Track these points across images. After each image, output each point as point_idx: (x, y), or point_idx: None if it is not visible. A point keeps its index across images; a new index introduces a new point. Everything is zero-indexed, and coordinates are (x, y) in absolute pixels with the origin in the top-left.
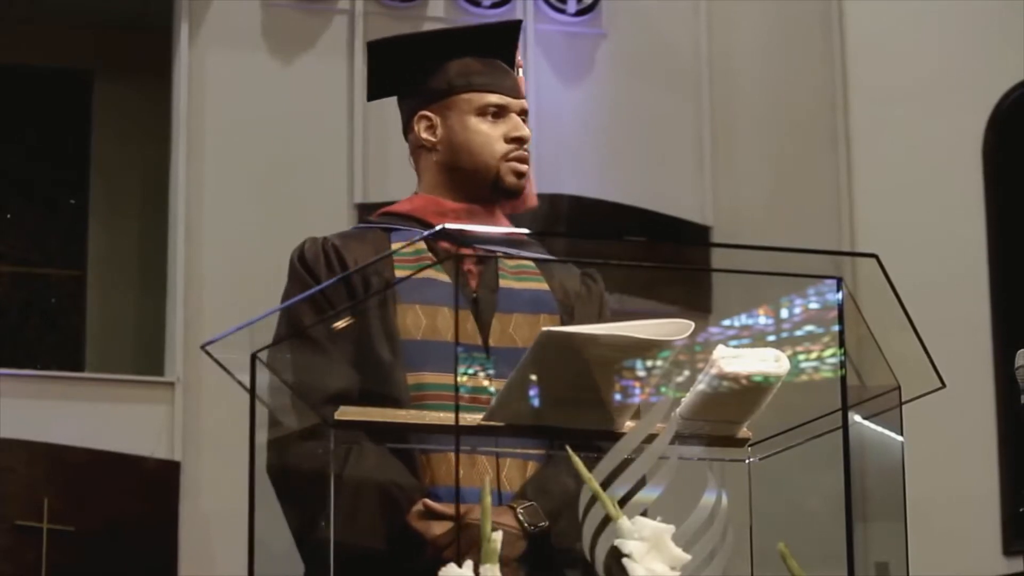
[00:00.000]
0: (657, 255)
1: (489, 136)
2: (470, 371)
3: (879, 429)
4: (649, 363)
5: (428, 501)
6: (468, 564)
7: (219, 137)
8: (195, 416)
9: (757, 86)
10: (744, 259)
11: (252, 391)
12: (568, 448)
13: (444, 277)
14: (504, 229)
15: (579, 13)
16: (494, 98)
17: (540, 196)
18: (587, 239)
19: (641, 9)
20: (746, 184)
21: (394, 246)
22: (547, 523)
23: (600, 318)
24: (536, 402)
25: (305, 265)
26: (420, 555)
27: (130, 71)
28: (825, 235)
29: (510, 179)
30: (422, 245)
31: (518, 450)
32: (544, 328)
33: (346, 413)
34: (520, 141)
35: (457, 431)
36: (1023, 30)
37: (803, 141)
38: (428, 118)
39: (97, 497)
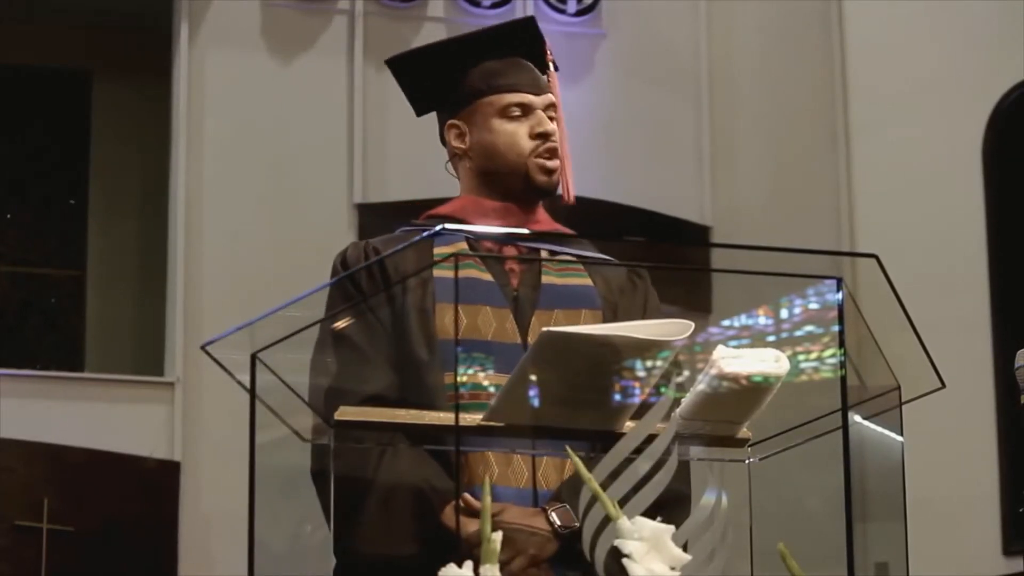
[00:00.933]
0: (657, 255)
1: (514, 135)
2: (508, 369)
3: (879, 429)
4: (649, 363)
5: (468, 497)
6: (468, 564)
7: (218, 137)
8: (195, 416)
9: (757, 86)
10: (744, 259)
11: (252, 391)
12: (568, 448)
13: (486, 276)
14: (495, 230)
15: (579, 13)
16: (515, 97)
17: None
18: (586, 239)
19: (641, 9)
20: (746, 184)
21: (437, 250)
22: (579, 525)
23: (645, 313)
24: (536, 402)
25: (347, 269)
26: (454, 555)
27: (129, 71)
28: (825, 235)
29: (539, 177)
30: (464, 246)
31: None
32: (544, 328)
33: (345, 413)
34: (544, 136)
35: (457, 431)
36: (1022, 31)
37: (803, 141)
38: (457, 126)
39: (97, 497)
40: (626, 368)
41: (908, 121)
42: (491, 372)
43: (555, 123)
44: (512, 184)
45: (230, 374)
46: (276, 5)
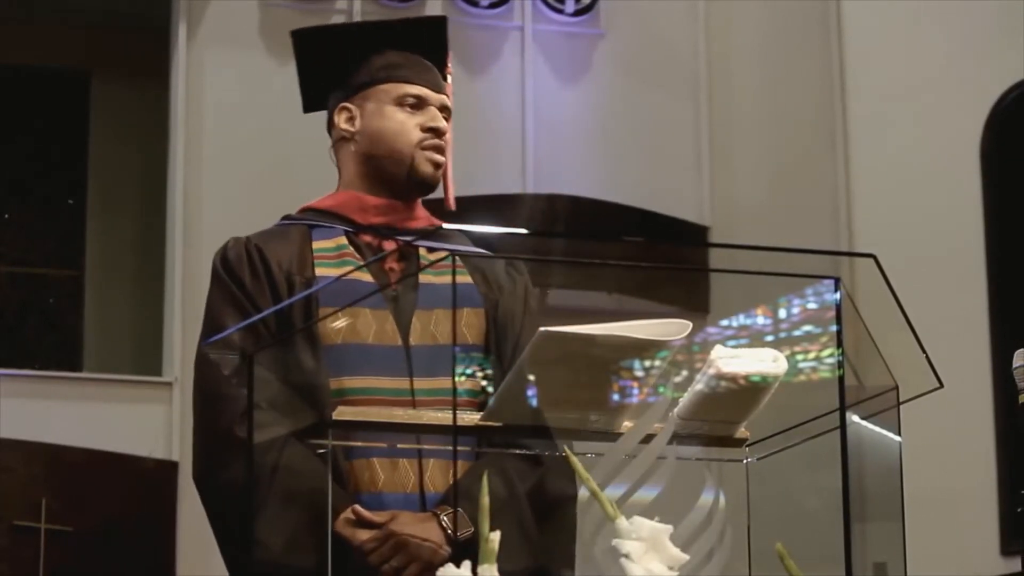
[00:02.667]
0: (655, 255)
1: (405, 124)
2: (389, 372)
3: (877, 429)
4: (647, 363)
5: (358, 508)
6: (466, 564)
7: (217, 137)
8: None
9: (755, 86)
10: (742, 259)
11: (250, 391)
12: (565, 448)
13: (367, 277)
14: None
15: (577, 13)
16: (413, 88)
17: (538, 196)
18: (585, 239)
19: (639, 9)
20: (744, 184)
21: (316, 244)
22: (472, 529)
23: (526, 308)
24: (533, 402)
25: (228, 267)
26: (347, 562)
27: (128, 71)
28: (823, 235)
29: (424, 168)
30: (344, 241)
31: (429, 447)
32: (542, 328)
33: (344, 413)
34: (436, 132)
35: (456, 431)
36: (1021, 31)
37: (801, 141)
38: (348, 109)
39: (95, 497)
40: (624, 368)
41: (906, 121)
42: (375, 376)
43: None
44: (395, 172)
45: (228, 374)
46: (274, 5)
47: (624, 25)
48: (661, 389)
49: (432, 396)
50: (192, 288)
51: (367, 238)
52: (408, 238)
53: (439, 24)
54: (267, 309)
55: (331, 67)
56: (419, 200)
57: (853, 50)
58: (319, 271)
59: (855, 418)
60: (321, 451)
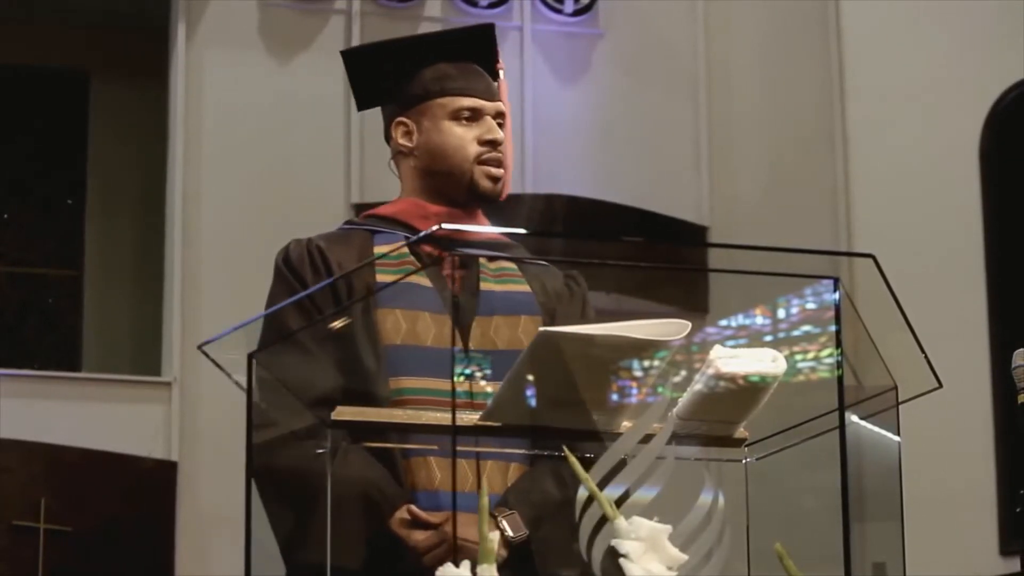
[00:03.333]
0: (654, 255)
1: (462, 139)
2: (448, 375)
3: (876, 429)
4: (646, 363)
5: (413, 508)
6: (465, 564)
7: (216, 137)
8: (192, 416)
9: (754, 86)
10: (741, 259)
11: (249, 391)
12: (565, 448)
13: (426, 282)
14: (491, 229)
15: (576, 13)
16: (467, 101)
17: (537, 196)
18: (584, 239)
19: (638, 9)
20: (743, 184)
21: (377, 249)
22: (527, 533)
23: (583, 319)
24: (533, 402)
25: (290, 267)
26: (402, 562)
27: (127, 71)
28: (822, 235)
29: (484, 183)
30: (405, 249)
31: (496, 450)
32: (541, 328)
33: (342, 413)
34: (492, 144)
35: (454, 431)
36: (1020, 30)
37: (800, 141)
38: (405, 124)
39: (94, 497)
40: (623, 368)
41: (905, 121)
42: (432, 378)
43: (503, 132)
44: (455, 187)
45: (227, 374)
46: (273, 5)
47: (623, 25)
48: (660, 389)
49: (489, 399)
50: (191, 288)
51: (428, 248)
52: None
53: (487, 32)
54: (327, 309)
55: (384, 82)
56: (480, 208)
57: (852, 50)
58: (379, 276)
59: (854, 418)
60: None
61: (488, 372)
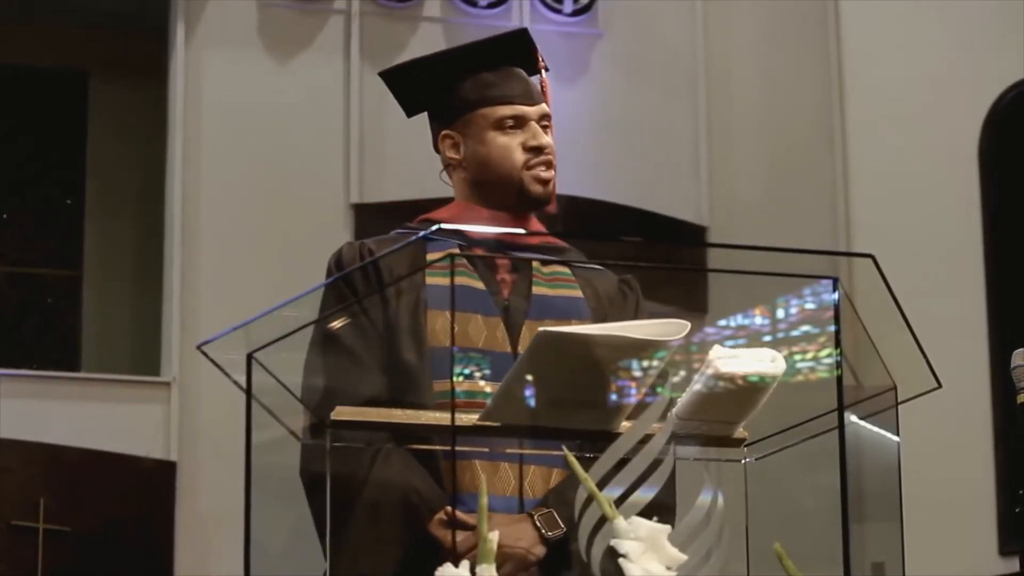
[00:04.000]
0: (653, 255)
1: (508, 147)
2: (497, 378)
3: (875, 429)
4: (646, 363)
5: (449, 509)
6: (464, 564)
7: (215, 137)
8: (191, 416)
9: (753, 86)
10: (740, 259)
11: (248, 391)
12: (564, 448)
13: (478, 284)
14: (488, 229)
15: (575, 13)
16: (508, 110)
17: None
18: (583, 239)
19: (637, 9)
20: (742, 184)
21: (429, 255)
22: (564, 530)
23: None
24: (532, 402)
25: (342, 270)
26: (441, 563)
27: (126, 71)
28: (821, 235)
29: (535, 188)
30: (457, 252)
31: (536, 452)
32: (540, 328)
33: (342, 413)
34: (538, 150)
35: (453, 431)
36: (1019, 30)
37: (799, 141)
38: (451, 137)
39: (93, 497)
40: (622, 368)
41: (905, 121)
42: (484, 379)
43: (549, 133)
44: (506, 195)
45: (226, 374)
46: (272, 5)
47: (622, 25)
48: (659, 389)
49: None
50: (191, 288)
51: (480, 249)
52: (517, 251)
53: (521, 36)
54: (376, 314)
55: (425, 96)
56: (532, 213)
57: (851, 50)
58: (430, 280)
59: (853, 418)
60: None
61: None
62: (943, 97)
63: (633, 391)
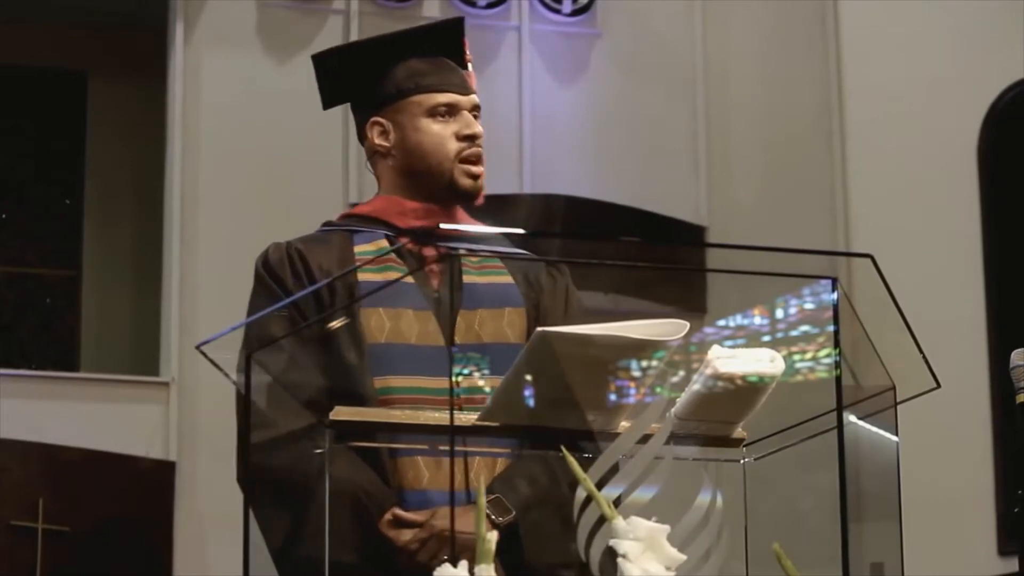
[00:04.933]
0: (652, 255)
1: (440, 136)
2: (433, 372)
3: (874, 429)
4: (644, 363)
5: (398, 510)
6: (463, 564)
7: (214, 137)
8: (190, 416)
9: (752, 86)
10: (739, 259)
11: (247, 391)
12: (563, 448)
13: (408, 279)
14: (487, 229)
15: (574, 13)
16: (443, 97)
17: (535, 196)
18: (582, 239)
19: (636, 9)
20: (741, 184)
21: (357, 249)
22: (514, 514)
23: (567, 309)
24: (531, 402)
25: (270, 271)
26: (394, 562)
27: (125, 71)
28: (820, 235)
29: (464, 181)
30: (385, 245)
31: (485, 449)
32: (539, 328)
33: (341, 413)
34: (472, 138)
35: (452, 431)
36: (1019, 30)
37: (798, 141)
38: (380, 124)
39: (92, 497)
40: (621, 368)
41: (903, 120)
42: (418, 376)
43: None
44: (435, 185)
45: (225, 374)
46: (272, 5)
47: (621, 25)
48: (658, 389)
49: (478, 395)
50: (189, 288)
51: (407, 243)
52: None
53: (457, 25)
54: (310, 312)
55: (354, 81)
56: (460, 205)
57: (850, 50)
58: (361, 275)
59: (852, 418)
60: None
61: (482, 368)
62: (942, 97)
63: (632, 391)
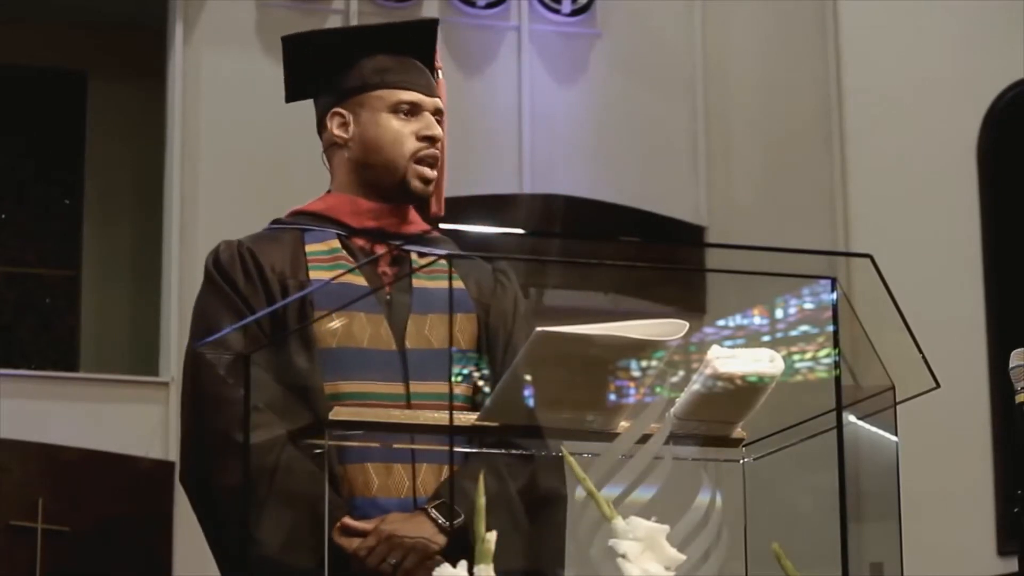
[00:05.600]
0: (651, 255)
1: (400, 133)
2: (384, 377)
3: (873, 429)
4: (644, 363)
5: (347, 520)
6: (462, 564)
7: (213, 137)
8: None
9: (752, 86)
10: (739, 259)
11: (246, 391)
12: (562, 448)
13: (361, 280)
14: (486, 229)
15: (574, 13)
16: (407, 95)
17: (534, 196)
18: (581, 239)
19: (636, 9)
20: (740, 184)
21: (308, 248)
22: (462, 517)
23: (515, 315)
24: (530, 402)
25: (220, 269)
26: (348, 568)
27: (124, 71)
28: (820, 235)
29: (415, 183)
30: (337, 245)
31: (477, 449)
32: (539, 328)
33: (340, 413)
34: (431, 140)
35: (452, 431)
36: (1018, 30)
37: (797, 141)
38: (341, 115)
39: (92, 497)
40: (621, 368)
41: (903, 121)
42: (370, 381)
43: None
44: (387, 182)
45: (225, 374)
46: (271, 5)
47: (621, 25)
48: (658, 389)
49: (427, 400)
50: (189, 288)
51: (360, 241)
52: (400, 243)
53: (429, 26)
54: (261, 311)
55: (321, 70)
56: (411, 205)
57: (850, 50)
58: (313, 274)
59: (852, 418)
60: (318, 451)
61: (426, 372)
62: (941, 97)
63: (631, 391)
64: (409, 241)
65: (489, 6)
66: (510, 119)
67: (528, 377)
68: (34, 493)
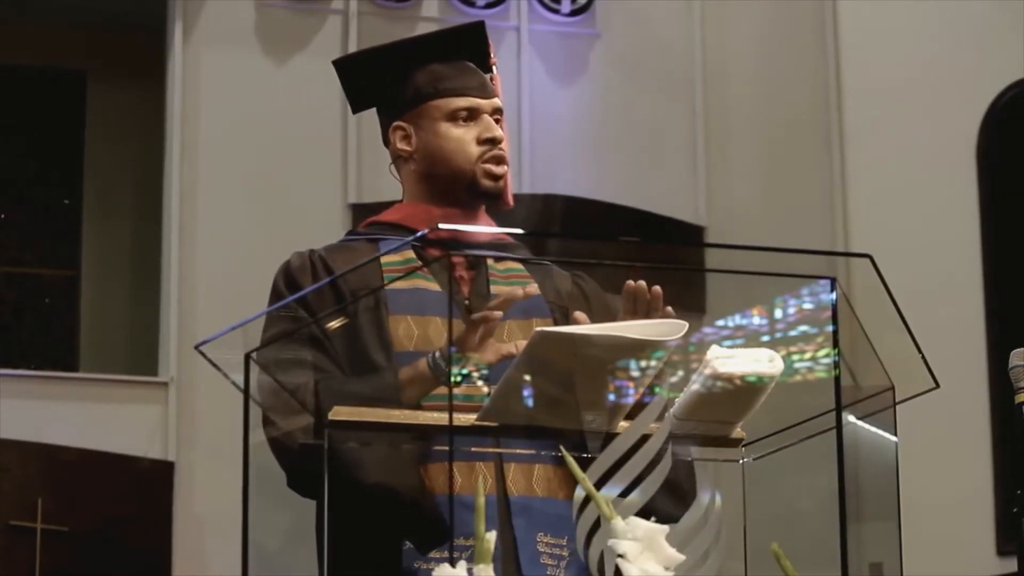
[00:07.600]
0: (651, 255)
1: (461, 140)
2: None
3: (873, 429)
4: (643, 363)
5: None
6: (462, 564)
7: (213, 137)
8: (189, 416)
9: (751, 86)
10: (738, 259)
11: (246, 391)
12: (562, 448)
13: (435, 286)
14: (490, 229)
15: (573, 13)
16: (463, 101)
17: (534, 196)
18: (581, 239)
19: (635, 9)
20: (740, 184)
21: (383, 258)
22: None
23: (607, 312)
24: (530, 402)
25: (290, 276)
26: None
27: (123, 71)
28: (819, 235)
29: (485, 182)
30: (411, 253)
31: (510, 451)
32: (537, 328)
33: (339, 413)
34: (492, 142)
35: (451, 431)
36: (1018, 30)
37: (797, 141)
38: (402, 128)
39: (91, 497)
40: (620, 368)
41: (902, 121)
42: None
43: (501, 128)
44: (457, 189)
45: (224, 374)
46: (270, 5)
47: (620, 25)
48: (657, 389)
49: (477, 401)
50: (188, 288)
51: (434, 251)
52: (475, 250)
53: (477, 29)
54: (336, 327)
55: (377, 86)
56: (482, 207)
57: (849, 50)
58: (387, 283)
59: (851, 418)
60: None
61: (487, 375)
62: (941, 97)
63: (631, 391)
64: (483, 247)
65: (488, 6)
66: (509, 119)
67: (528, 377)
68: (33, 493)
